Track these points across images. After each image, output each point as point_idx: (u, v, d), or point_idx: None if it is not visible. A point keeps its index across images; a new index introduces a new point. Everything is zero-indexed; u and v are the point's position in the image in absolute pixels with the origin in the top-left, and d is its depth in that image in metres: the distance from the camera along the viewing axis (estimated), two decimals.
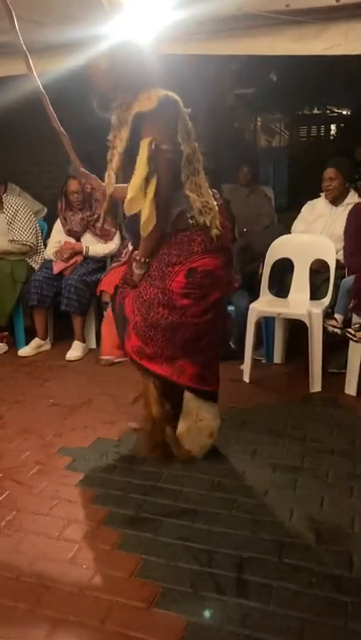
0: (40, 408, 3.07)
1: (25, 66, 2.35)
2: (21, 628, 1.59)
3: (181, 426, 2.42)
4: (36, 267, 4.09)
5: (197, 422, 2.40)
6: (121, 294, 2.44)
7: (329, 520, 2.06)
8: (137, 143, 2.14)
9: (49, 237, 4.19)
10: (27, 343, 3.99)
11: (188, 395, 2.39)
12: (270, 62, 5.61)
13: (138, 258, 2.27)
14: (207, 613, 1.64)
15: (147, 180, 2.10)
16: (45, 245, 4.18)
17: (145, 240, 2.22)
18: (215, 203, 2.27)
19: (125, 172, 2.25)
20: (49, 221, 4.45)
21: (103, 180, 2.39)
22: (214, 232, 2.22)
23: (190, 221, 2.21)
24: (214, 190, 2.35)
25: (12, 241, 3.98)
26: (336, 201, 3.72)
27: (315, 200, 3.83)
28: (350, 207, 3.62)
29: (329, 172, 3.68)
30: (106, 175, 2.34)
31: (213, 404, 2.46)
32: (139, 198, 2.11)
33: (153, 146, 2.10)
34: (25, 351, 3.93)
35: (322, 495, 2.21)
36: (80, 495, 2.23)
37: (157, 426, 2.41)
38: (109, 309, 2.78)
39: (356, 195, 3.76)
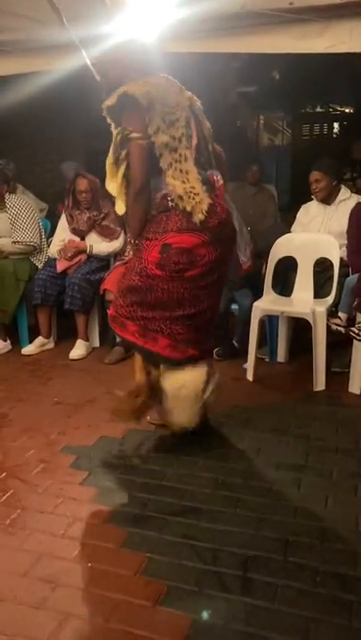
0: (44, 406, 3.08)
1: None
2: (26, 626, 1.59)
3: (167, 404, 2.44)
4: (40, 265, 4.09)
5: (179, 390, 2.41)
6: None
7: (333, 518, 2.06)
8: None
9: (52, 236, 4.20)
10: (30, 342, 3.99)
11: (166, 368, 2.41)
12: (273, 60, 5.60)
13: (129, 240, 2.43)
14: (212, 611, 1.64)
15: (116, 166, 2.27)
16: (49, 244, 4.18)
17: (131, 222, 2.36)
18: (202, 187, 2.28)
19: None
20: (51, 220, 4.46)
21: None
22: (198, 217, 2.25)
23: (170, 204, 2.28)
24: (215, 172, 2.40)
25: (15, 242, 3.98)
26: (328, 200, 3.73)
27: (308, 203, 3.87)
28: (343, 204, 3.65)
29: (314, 175, 3.70)
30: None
31: (195, 367, 2.44)
32: (111, 182, 2.30)
33: (120, 135, 2.24)
34: (28, 350, 3.94)
35: (326, 494, 2.21)
36: (84, 493, 2.24)
37: (138, 392, 2.43)
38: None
39: (349, 191, 3.77)
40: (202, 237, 2.29)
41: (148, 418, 2.64)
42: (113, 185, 2.30)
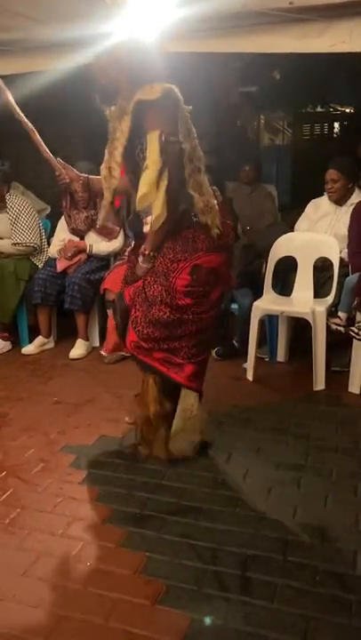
0: (44, 406, 3.08)
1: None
2: (25, 626, 1.59)
3: (177, 424, 2.41)
4: (40, 265, 4.09)
5: (192, 419, 2.41)
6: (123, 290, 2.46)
7: (333, 518, 2.05)
8: (138, 134, 2.13)
9: (52, 236, 4.19)
10: (30, 341, 3.99)
11: (185, 392, 2.39)
12: (274, 60, 5.59)
13: (145, 252, 2.27)
14: (211, 611, 1.64)
15: (160, 174, 2.08)
16: (49, 244, 4.18)
17: (154, 234, 2.21)
18: (215, 201, 2.25)
19: (126, 165, 2.25)
20: (52, 220, 4.45)
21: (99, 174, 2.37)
22: (215, 231, 2.22)
23: (194, 219, 2.21)
24: (214, 188, 2.33)
25: (16, 244, 3.97)
26: (340, 201, 3.69)
27: (319, 199, 3.80)
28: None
29: (331, 174, 3.62)
30: (104, 167, 2.30)
31: (199, 400, 2.46)
32: (152, 193, 2.09)
33: (163, 138, 2.07)
34: (28, 349, 3.94)
35: (326, 493, 2.21)
36: (84, 493, 2.24)
37: (153, 424, 2.40)
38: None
39: None
40: (224, 256, 2.29)
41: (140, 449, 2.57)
42: (152, 195, 2.10)
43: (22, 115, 2.40)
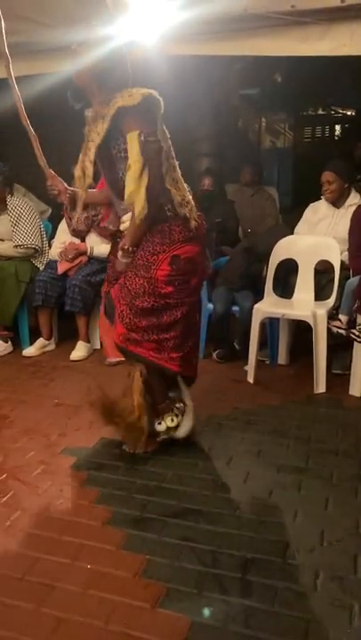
0: (45, 408, 3.08)
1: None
2: (25, 628, 1.59)
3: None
4: (41, 267, 4.10)
5: (188, 406, 2.53)
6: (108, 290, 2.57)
7: (333, 521, 2.05)
8: (115, 136, 2.27)
9: (53, 238, 4.20)
10: (31, 343, 4.00)
11: (180, 380, 2.53)
12: (275, 63, 5.60)
13: (125, 247, 2.37)
14: (211, 613, 1.63)
15: (141, 172, 2.20)
16: (50, 246, 4.19)
17: (136, 229, 2.31)
18: (190, 196, 2.40)
19: (102, 165, 2.39)
20: (53, 222, 4.46)
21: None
22: (193, 223, 2.35)
23: (168, 213, 2.33)
24: (187, 185, 2.46)
25: (17, 246, 3.98)
26: (337, 203, 3.71)
27: (317, 202, 3.83)
28: (352, 208, 3.63)
29: (326, 176, 3.66)
30: (78, 168, 2.39)
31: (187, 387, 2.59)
32: (138, 189, 2.21)
33: (142, 138, 2.20)
34: (29, 351, 3.94)
35: (326, 496, 2.20)
36: (84, 495, 2.24)
37: (138, 415, 2.46)
38: (102, 310, 2.84)
39: (359, 195, 3.74)
40: (200, 246, 2.41)
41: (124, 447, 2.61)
42: (138, 189, 2.21)
43: (28, 122, 2.49)
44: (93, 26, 2.42)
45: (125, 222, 2.42)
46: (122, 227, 2.46)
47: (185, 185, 2.40)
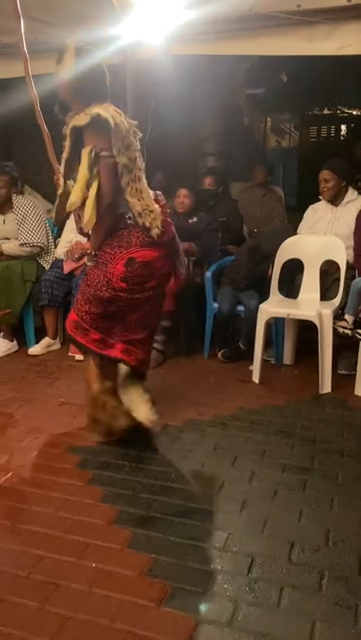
0: (50, 407, 3.09)
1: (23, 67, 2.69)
2: (30, 626, 1.60)
3: (124, 399, 2.59)
4: (47, 266, 4.10)
5: (141, 397, 2.59)
6: None
7: (339, 521, 2.05)
8: (76, 153, 2.40)
9: (59, 237, 4.21)
10: (37, 342, 4.00)
11: (121, 367, 2.62)
12: (281, 62, 5.60)
13: (89, 252, 2.55)
14: (216, 613, 1.64)
15: (88, 185, 2.34)
16: (56, 245, 4.19)
17: (94, 236, 2.49)
18: (156, 205, 2.51)
19: (69, 176, 2.55)
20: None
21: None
22: (155, 232, 2.46)
23: (129, 221, 2.46)
24: (158, 192, 2.63)
25: (23, 244, 3.99)
26: (335, 201, 3.73)
27: (316, 203, 3.87)
28: (350, 205, 3.65)
29: (323, 174, 3.70)
30: (56, 177, 2.70)
31: (139, 383, 2.65)
32: (78, 200, 2.38)
33: (93, 153, 2.33)
34: (35, 350, 3.95)
35: (332, 496, 2.20)
36: (89, 494, 2.24)
37: (98, 402, 2.55)
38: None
39: (356, 192, 3.76)
40: (160, 251, 2.51)
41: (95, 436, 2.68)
42: (85, 200, 2.37)
43: (42, 119, 2.70)
44: (66, 40, 2.54)
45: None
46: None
47: (154, 192, 2.56)
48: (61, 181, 2.68)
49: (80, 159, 2.37)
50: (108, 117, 2.34)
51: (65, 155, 2.49)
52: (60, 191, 2.67)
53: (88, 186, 2.34)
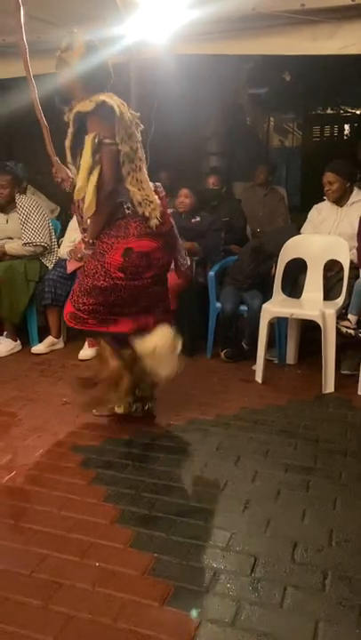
0: (53, 406, 3.09)
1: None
2: (34, 625, 1.60)
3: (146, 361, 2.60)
4: (50, 266, 4.11)
5: (154, 350, 2.57)
6: None
7: (342, 521, 2.05)
8: (79, 139, 2.40)
9: (62, 236, 4.21)
10: (40, 342, 4.01)
11: (133, 338, 2.61)
12: (284, 62, 5.59)
13: (86, 240, 2.56)
14: (219, 612, 1.64)
15: (90, 171, 2.34)
16: (59, 244, 4.20)
17: (92, 224, 2.49)
18: (156, 196, 2.52)
19: (75, 164, 2.51)
20: (61, 220, 4.47)
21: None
22: (153, 222, 2.47)
23: (127, 211, 2.46)
24: (157, 184, 2.63)
25: (26, 244, 3.99)
26: (340, 201, 3.72)
27: (321, 203, 3.86)
28: (356, 205, 3.64)
29: (327, 176, 3.70)
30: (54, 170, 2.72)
31: (160, 328, 2.63)
32: (84, 186, 2.37)
33: (96, 140, 2.33)
34: (38, 348, 3.96)
35: (335, 496, 2.20)
36: (92, 493, 2.24)
37: (119, 375, 2.60)
38: None
39: None
40: (158, 242, 2.52)
41: (94, 411, 2.83)
42: (87, 187, 2.37)
43: (41, 112, 2.72)
44: (74, 32, 2.52)
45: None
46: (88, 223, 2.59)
47: (153, 184, 2.56)
48: (61, 173, 2.71)
49: (83, 145, 2.37)
50: (114, 105, 2.36)
51: (68, 142, 2.49)
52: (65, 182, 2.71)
53: (90, 172, 2.35)
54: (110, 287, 2.50)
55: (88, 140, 2.34)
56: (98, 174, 2.34)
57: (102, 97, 2.37)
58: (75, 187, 2.62)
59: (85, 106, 2.37)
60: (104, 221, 2.47)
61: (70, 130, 2.46)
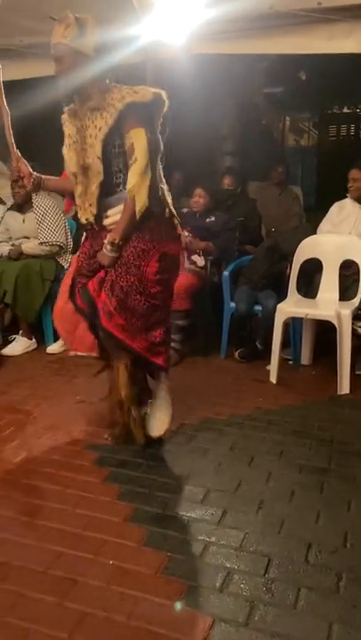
0: (67, 404, 3.11)
1: None
2: (49, 621, 1.61)
3: (160, 403, 2.58)
4: (66, 265, 4.12)
5: (166, 400, 2.59)
6: (78, 285, 2.56)
7: (356, 523, 2.04)
8: (114, 132, 2.26)
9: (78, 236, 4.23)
10: (55, 341, 4.03)
11: (161, 373, 2.59)
12: (300, 61, 5.57)
13: (114, 241, 2.34)
14: (232, 612, 1.63)
15: (146, 168, 2.24)
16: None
17: (128, 223, 2.30)
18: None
19: (110, 160, 2.32)
20: (77, 220, 4.48)
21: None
22: (176, 220, 2.43)
23: (154, 209, 2.33)
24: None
25: (42, 243, 4.02)
26: None
27: (342, 201, 3.82)
28: None
29: (353, 173, 3.68)
30: (74, 165, 2.42)
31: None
32: (141, 182, 2.24)
33: (149, 134, 2.24)
34: (53, 348, 3.98)
35: (349, 497, 2.18)
36: (106, 491, 2.25)
37: (125, 408, 2.51)
38: (59, 307, 2.70)
39: None
40: (180, 245, 2.50)
41: (106, 436, 2.68)
42: (142, 184, 2.24)
43: (4, 98, 2.52)
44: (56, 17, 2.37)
45: (111, 217, 2.41)
46: (105, 222, 2.44)
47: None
48: (22, 169, 2.53)
49: (121, 139, 2.26)
50: (165, 98, 2.29)
51: (102, 135, 2.28)
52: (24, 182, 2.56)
53: (146, 169, 2.22)
54: (150, 308, 2.38)
55: (142, 135, 2.22)
56: (151, 172, 2.24)
57: (156, 90, 2.27)
58: (37, 184, 2.52)
59: (140, 96, 2.24)
60: (140, 222, 2.30)
61: (109, 121, 2.25)
